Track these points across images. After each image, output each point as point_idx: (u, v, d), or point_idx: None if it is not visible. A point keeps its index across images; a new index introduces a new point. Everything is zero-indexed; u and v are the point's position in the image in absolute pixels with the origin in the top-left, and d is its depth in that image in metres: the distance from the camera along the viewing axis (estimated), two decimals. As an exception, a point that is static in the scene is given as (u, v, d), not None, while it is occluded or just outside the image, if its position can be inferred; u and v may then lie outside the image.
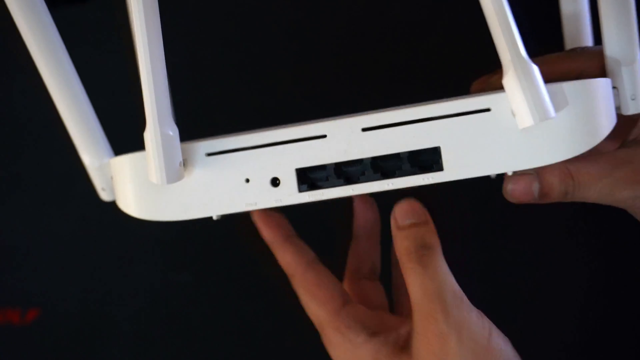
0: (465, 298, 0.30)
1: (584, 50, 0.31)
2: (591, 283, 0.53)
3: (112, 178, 0.32)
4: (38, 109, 0.66)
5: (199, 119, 0.63)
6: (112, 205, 0.59)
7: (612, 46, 0.29)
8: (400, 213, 0.30)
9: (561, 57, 0.31)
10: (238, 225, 0.49)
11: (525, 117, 0.25)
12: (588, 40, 0.35)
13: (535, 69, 0.25)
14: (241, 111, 0.58)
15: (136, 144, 0.63)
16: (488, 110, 0.26)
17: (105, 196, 0.35)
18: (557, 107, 0.26)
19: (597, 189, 0.28)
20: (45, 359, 0.52)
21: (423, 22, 0.65)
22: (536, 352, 0.50)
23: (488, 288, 0.52)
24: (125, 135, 0.63)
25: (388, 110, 0.27)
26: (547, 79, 0.26)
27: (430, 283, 0.28)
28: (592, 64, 0.29)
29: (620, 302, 0.53)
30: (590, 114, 0.26)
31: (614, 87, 0.29)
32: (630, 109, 0.29)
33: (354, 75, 0.67)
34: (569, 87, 0.26)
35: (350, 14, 0.71)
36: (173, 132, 0.28)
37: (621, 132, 0.29)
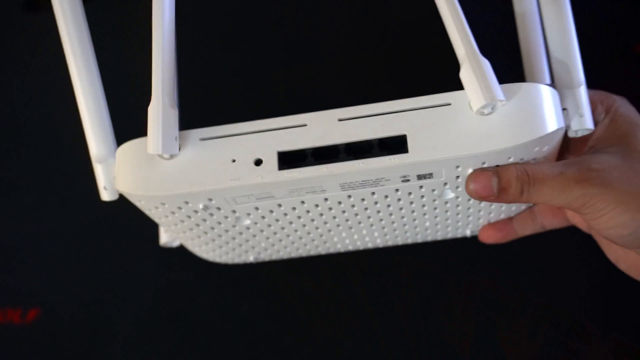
0: None
1: None
2: (592, 283, 0.53)
3: (115, 173, 0.34)
4: (38, 109, 0.66)
5: (196, 116, 0.63)
6: (112, 205, 0.59)
7: (559, 74, 0.33)
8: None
9: None
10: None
11: (478, 99, 0.29)
12: (545, 76, 0.39)
13: (486, 62, 0.30)
14: (238, 109, 0.58)
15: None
16: (449, 104, 0.30)
17: (106, 195, 0.36)
18: (506, 96, 0.29)
19: (550, 187, 0.30)
20: (45, 359, 0.52)
21: (417, 23, 0.65)
22: (536, 352, 0.50)
23: (489, 287, 0.52)
24: (125, 134, 0.63)
25: (363, 105, 0.31)
26: None
27: None
28: None
29: (620, 301, 0.53)
30: (534, 108, 0.30)
31: (564, 109, 0.33)
32: (578, 128, 0.33)
33: (350, 75, 0.68)
34: (516, 85, 0.30)
35: (346, 16, 0.71)
36: (173, 109, 0.32)
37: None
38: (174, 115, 0.31)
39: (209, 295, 0.54)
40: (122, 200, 0.60)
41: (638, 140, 0.31)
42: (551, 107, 0.30)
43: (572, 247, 0.54)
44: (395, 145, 0.30)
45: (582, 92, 0.33)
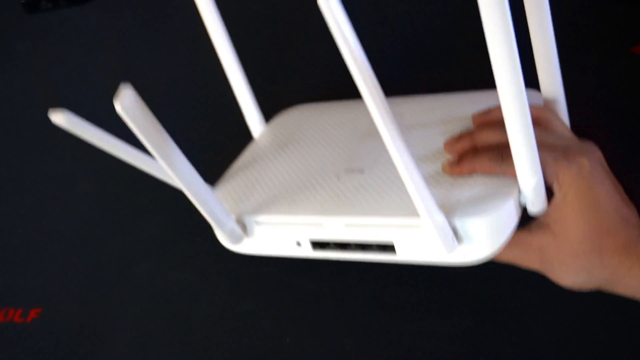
0: None
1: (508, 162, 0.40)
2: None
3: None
4: (38, 109, 0.66)
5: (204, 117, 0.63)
6: (112, 205, 0.60)
7: (520, 167, 0.39)
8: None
9: (494, 165, 0.42)
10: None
11: (439, 250, 0.40)
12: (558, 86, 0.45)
13: (442, 218, 0.39)
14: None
15: (137, 142, 0.63)
16: (419, 227, 0.41)
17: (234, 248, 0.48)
18: (463, 240, 0.40)
19: (509, 255, 0.42)
20: (46, 358, 0.52)
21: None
22: (537, 352, 0.50)
23: (489, 289, 0.52)
24: (125, 133, 0.63)
25: (366, 215, 0.42)
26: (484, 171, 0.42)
27: None
28: (512, 171, 0.39)
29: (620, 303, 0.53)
30: (497, 233, 0.40)
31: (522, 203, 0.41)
32: (533, 212, 0.41)
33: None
34: (469, 224, 0.40)
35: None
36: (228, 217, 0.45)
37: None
38: (232, 224, 0.45)
39: (209, 295, 0.54)
40: (122, 200, 0.60)
41: (570, 231, 0.39)
42: (512, 220, 0.40)
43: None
44: (387, 248, 0.43)
45: (538, 183, 0.39)
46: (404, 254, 0.44)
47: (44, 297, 0.54)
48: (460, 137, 0.45)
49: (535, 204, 0.40)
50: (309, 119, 0.57)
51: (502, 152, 0.41)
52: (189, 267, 0.54)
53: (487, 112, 0.46)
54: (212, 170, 0.60)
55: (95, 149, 0.62)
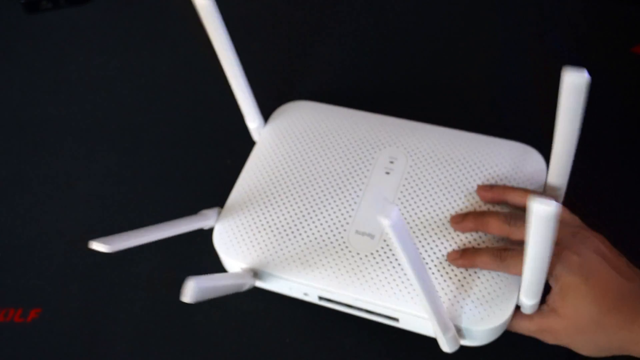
0: None
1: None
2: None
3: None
4: (38, 109, 0.66)
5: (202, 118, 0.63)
6: (112, 205, 0.59)
7: (526, 289, 0.43)
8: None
9: (494, 264, 0.46)
10: (238, 225, 0.48)
11: (441, 345, 0.46)
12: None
13: (453, 332, 0.45)
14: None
15: (137, 142, 0.63)
16: (426, 318, 0.46)
17: None
18: (466, 338, 0.47)
19: (527, 326, 0.46)
20: (46, 358, 0.52)
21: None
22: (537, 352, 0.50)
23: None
24: (125, 134, 0.63)
25: (376, 299, 0.47)
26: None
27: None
28: (512, 270, 0.45)
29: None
30: (498, 327, 0.46)
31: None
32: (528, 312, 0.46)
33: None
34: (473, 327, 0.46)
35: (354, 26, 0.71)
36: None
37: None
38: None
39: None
40: (122, 200, 0.60)
41: (573, 315, 0.43)
42: (509, 317, 0.46)
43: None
44: (392, 319, 0.48)
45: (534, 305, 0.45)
46: (407, 326, 0.49)
47: (44, 297, 0.54)
48: (465, 217, 0.49)
49: (533, 308, 0.45)
50: (311, 127, 0.57)
51: (501, 254, 0.45)
52: (189, 267, 0.54)
53: (492, 190, 0.50)
54: (212, 169, 0.60)
55: (95, 149, 0.62)
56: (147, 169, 0.61)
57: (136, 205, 0.59)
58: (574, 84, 0.37)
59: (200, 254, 0.54)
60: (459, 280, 0.46)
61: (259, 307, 0.53)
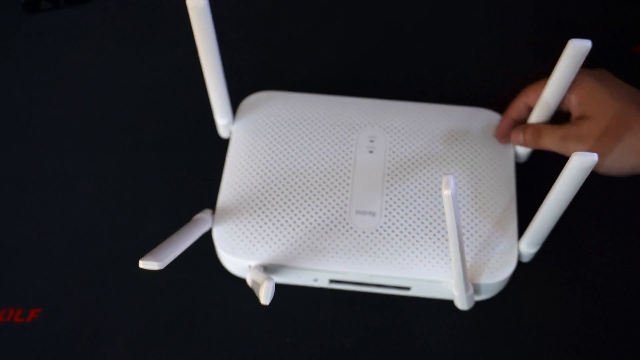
0: None
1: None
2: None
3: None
4: (38, 109, 0.66)
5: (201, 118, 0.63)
6: (112, 205, 0.59)
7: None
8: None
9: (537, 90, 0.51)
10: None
11: (459, 304, 0.50)
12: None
13: (472, 291, 0.48)
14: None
15: (137, 142, 0.63)
16: (440, 282, 0.49)
17: None
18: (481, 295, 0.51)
19: (550, 140, 0.49)
20: (46, 358, 0.52)
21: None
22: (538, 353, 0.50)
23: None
24: (125, 134, 0.63)
25: (390, 271, 0.49)
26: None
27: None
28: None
29: (620, 304, 0.53)
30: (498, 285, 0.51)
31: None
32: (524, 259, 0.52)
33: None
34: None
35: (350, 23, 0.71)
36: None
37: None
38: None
39: (209, 295, 0.54)
40: (122, 200, 0.60)
41: (595, 114, 0.47)
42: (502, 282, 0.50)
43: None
44: (404, 288, 0.51)
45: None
46: (418, 292, 0.51)
47: (44, 297, 0.54)
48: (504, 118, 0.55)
49: (531, 256, 0.51)
50: (284, 116, 0.58)
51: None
52: (189, 267, 0.54)
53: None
54: (211, 170, 0.60)
55: (95, 149, 0.62)
56: (147, 169, 0.61)
57: (136, 205, 0.59)
58: (575, 49, 0.44)
59: (200, 254, 0.54)
60: (467, 239, 0.50)
61: (259, 307, 0.53)
